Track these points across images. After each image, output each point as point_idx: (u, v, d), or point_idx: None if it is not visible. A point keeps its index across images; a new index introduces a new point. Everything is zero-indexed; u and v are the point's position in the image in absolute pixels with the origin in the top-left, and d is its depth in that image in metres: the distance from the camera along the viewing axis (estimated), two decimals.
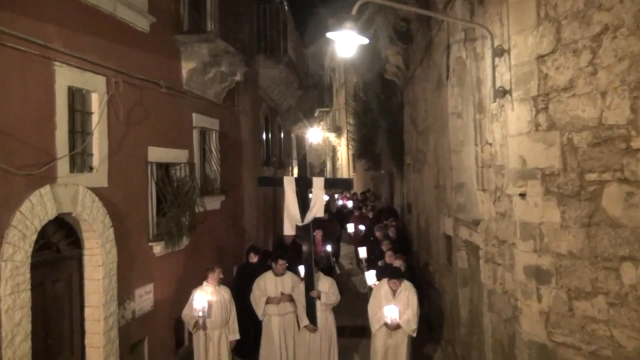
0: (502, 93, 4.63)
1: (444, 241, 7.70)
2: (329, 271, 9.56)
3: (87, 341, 5.77)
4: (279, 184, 7.48)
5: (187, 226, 7.76)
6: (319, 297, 7.07)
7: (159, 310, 7.11)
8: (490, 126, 5.13)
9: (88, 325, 5.77)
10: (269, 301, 7.23)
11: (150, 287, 6.94)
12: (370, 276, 8.27)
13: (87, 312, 5.77)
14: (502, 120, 4.78)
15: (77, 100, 5.70)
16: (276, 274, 7.36)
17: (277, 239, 10.78)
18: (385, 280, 6.92)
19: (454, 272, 6.93)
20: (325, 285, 7.20)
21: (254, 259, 8.34)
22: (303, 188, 7.28)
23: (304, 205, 7.16)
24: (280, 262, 7.38)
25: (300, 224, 7.14)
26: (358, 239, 13.62)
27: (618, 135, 3.69)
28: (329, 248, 11.07)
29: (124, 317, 6.29)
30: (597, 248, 3.85)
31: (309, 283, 7.09)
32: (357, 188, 24.62)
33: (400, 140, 12.78)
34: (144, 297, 6.79)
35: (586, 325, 3.93)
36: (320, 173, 42.32)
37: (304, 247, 7.29)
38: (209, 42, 8.12)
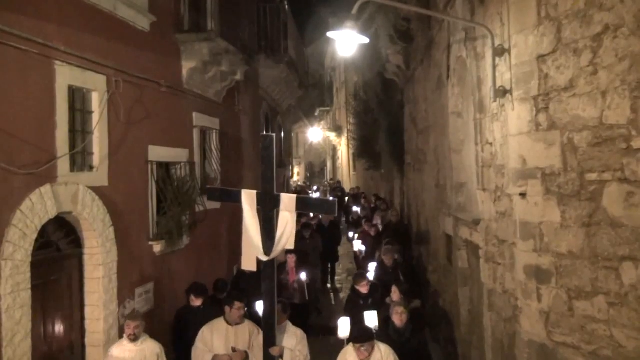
0: (502, 93, 4.64)
1: (444, 241, 7.70)
2: (305, 309, 7.95)
3: (87, 340, 5.78)
4: (236, 199, 5.42)
5: (187, 225, 7.77)
6: (281, 357, 5.21)
7: (159, 309, 7.11)
8: (491, 126, 5.13)
9: (88, 324, 5.79)
10: None
11: (150, 286, 6.94)
12: (344, 325, 5.95)
13: (87, 311, 5.79)
14: (502, 119, 4.78)
15: (78, 99, 5.71)
16: (229, 322, 5.52)
17: (238, 270, 8.31)
18: (349, 348, 5.07)
19: (454, 272, 6.93)
20: (292, 341, 5.36)
21: (195, 302, 6.41)
22: (267, 207, 5.22)
23: (268, 231, 5.14)
24: (237, 305, 5.51)
25: (264, 258, 5.12)
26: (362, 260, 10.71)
27: (618, 135, 3.68)
28: (303, 277, 8.28)
29: (124, 316, 6.29)
30: (597, 248, 3.85)
31: (270, 336, 5.18)
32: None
33: (400, 139, 12.76)
34: (144, 296, 6.80)
35: (586, 325, 3.93)
36: (321, 173, 42.32)
37: (265, 286, 5.22)
38: (210, 42, 8.12)
